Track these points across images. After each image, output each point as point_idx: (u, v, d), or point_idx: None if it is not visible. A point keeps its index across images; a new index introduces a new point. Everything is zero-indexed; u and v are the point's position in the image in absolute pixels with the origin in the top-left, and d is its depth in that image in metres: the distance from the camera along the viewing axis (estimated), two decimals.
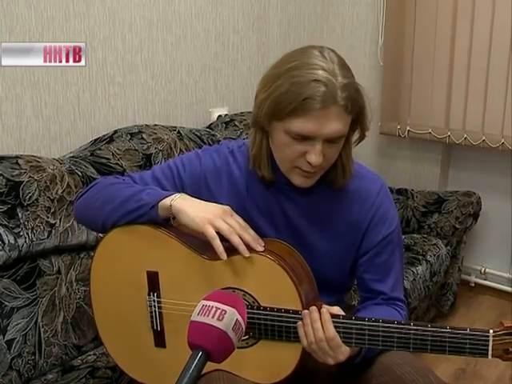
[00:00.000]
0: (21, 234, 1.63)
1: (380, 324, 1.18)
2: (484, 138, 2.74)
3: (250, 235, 1.24)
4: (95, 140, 2.04)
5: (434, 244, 2.61)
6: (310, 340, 1.20)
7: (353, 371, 1.31)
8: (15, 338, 1.60)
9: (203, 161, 1.39)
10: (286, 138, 1.21)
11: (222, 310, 0.90)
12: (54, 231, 1.71)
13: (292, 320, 1.23)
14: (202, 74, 2.51)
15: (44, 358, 1.66)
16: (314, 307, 1.21)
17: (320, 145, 1.19)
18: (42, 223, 1.68)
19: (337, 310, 1.23)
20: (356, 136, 1.32)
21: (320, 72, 1.16)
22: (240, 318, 0.91)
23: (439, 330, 1.15)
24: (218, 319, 0.88)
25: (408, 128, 2.94)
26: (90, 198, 1.39)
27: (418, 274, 2.39)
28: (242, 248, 1.22)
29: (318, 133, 1.18)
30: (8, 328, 1.59)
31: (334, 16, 3.10)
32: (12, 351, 1.59)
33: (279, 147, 1.26)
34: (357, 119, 1.25)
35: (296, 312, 1.22)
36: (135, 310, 1.36)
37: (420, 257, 2.49)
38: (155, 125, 2.20)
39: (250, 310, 1.22)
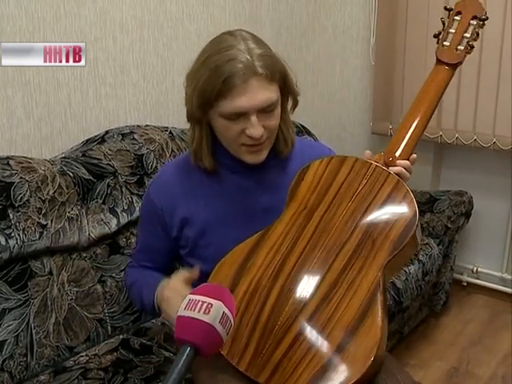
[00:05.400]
0: (12, 235, 1.62)
1: None
2: (476, 137, 2.75)
3: None
4: (87, 141, 2.03)
5: (426, 243, 2.62)
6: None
7: None
8: (7, 340, 1.60)
9: (145, 204, 1.50)
10: (223, 121, 1.28)
11: (208, 303, 0.89)
12: (45, 232, 1.70)
13: None
14: None
15: (36, 359, 1.66)
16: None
17: (255, 117, 1.25)
18: (33, 224, 1.67)
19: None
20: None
21: (234, 51, 1.22)
22: (227, 311, 0.90)
23: None
24: (204, 313, 0.88)
25: None
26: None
27: (410, 273, 2.39)
28: None
29: (247, 107, 1.24)
30: None
31: (326, 16, 3.10)
32: (4, 353, 1.59)
33: (221, 132, 1.32)
34: (283, 86, 1.31)
35: None
36: None
37: (412, 256, 2.50)
38: (147, 125, 2.19)
39: None
